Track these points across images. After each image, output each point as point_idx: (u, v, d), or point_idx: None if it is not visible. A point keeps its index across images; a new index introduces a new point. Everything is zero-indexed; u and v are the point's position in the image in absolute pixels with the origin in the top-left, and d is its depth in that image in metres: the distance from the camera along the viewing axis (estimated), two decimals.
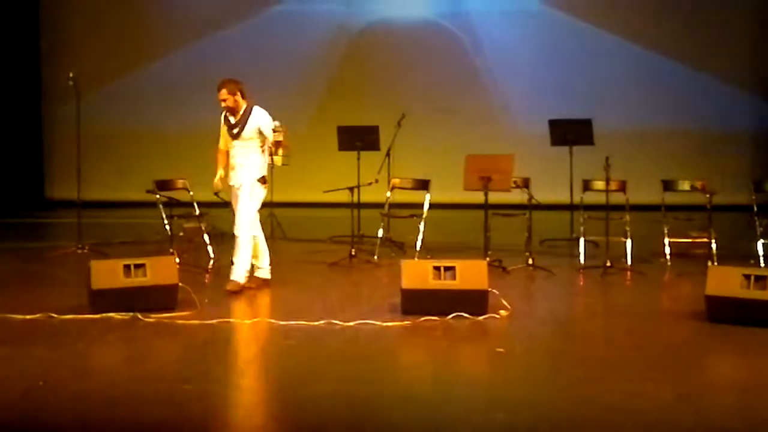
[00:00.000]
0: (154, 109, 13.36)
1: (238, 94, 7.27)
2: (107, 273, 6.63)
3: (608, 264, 8.06)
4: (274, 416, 4.55)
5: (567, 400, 4.80)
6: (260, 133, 7.25)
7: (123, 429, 4.34)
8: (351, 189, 9.05)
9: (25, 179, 13.22)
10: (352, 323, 6.24)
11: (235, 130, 7.27)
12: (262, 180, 7.32)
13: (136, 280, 6.64)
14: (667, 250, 8.67)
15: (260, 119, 7.26)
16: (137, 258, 6.83)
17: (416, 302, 6.49)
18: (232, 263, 7.31)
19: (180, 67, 13.32)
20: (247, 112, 7.27)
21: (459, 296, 6.48)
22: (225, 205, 8.17)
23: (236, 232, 7.29)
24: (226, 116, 7.35)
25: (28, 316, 6.47)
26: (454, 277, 6.58)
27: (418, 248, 8.58)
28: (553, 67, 12.88)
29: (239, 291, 7.21)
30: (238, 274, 7.26)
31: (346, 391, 4.92)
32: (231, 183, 7.38)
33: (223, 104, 7.27)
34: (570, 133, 9.89)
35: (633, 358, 5.60)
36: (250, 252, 7.30)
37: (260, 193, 7.34)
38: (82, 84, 9.80)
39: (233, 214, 7.38)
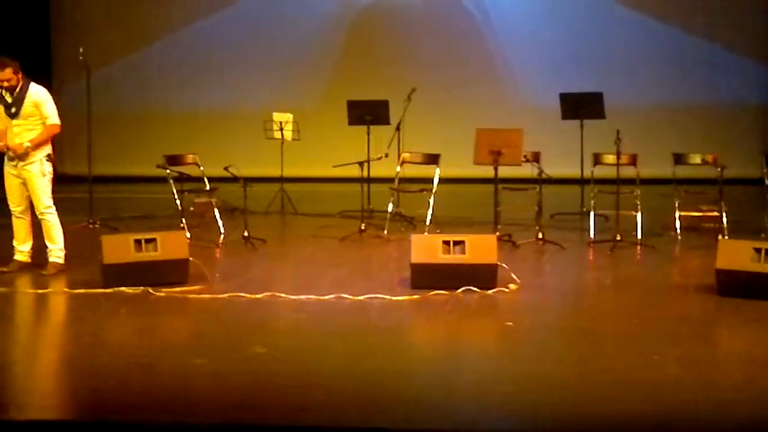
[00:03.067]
0: (163, 86, 13.34)
1: (20, 72, 7.03)
2: (119, 247, 6.68)
3: (618, 238, 8.05)
4: (284, 390, 4.58)
5: (575, 373, 4.82)
6: (38, 109, 7.02)
7: (135, 402, 4.39)
8: (361, 163, 9.04)
9: None
10: (361, 297, 6.27)
11: (13, 110, 6.99)
12: (49, 157, 7.11)
13: (148, 255, 6.67)
14: (678, 223, 8.65)
15: (38, 95, 7.05)
16: (148, 233, 6.87)
17: (426, 276, 6.51)
18: (47, 246, 7.14)
19: (187, 45, 13.30)
20: (24, 90, 7.02)
21: (469, 270, 6.49)
22: (236, 180, 8.20)
23: (44, 212, 7.08)
24: (1, 96, 7.02)
25: (40, 291, 6.53)
26: (463, 252, 6.59)
27: (427, 223, 8.58)
28: (564, 40, 12.78)
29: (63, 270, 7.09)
30: (58, 254, 7.15)
31: (355, 365, 4.95)
32: (15, 164, 7.05)
33: (6, 84, 6.95)
34: (581, 106, 9.84)
35: (642, 331, 5.61)
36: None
37: (50, 170, 7.13)
38: (92, 60, 9.80)
39: (7, 198, 7.12)
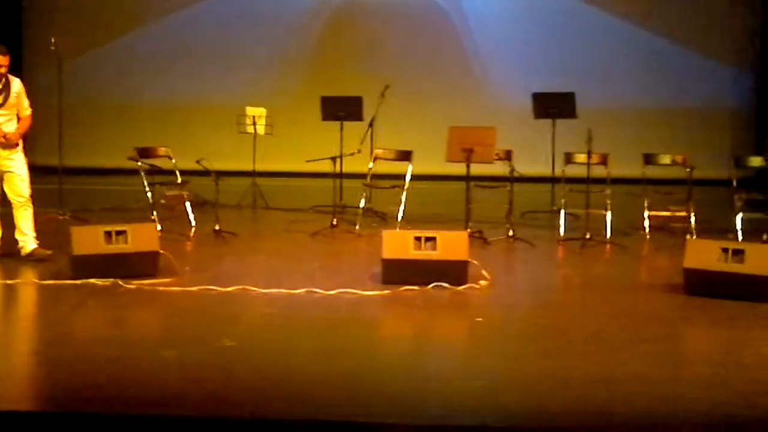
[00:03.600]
0: (135, 78, 13.21)
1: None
2: (88, 239, 6.63)
3: (588, 236, 8.12)
4: (251, 384, 4.58)
5: (543, 370, 4.86)
6: (19, 99, 7.16)
7: (104, 394, 4.36)
8: (333, 159, 9.05)
9: None
10: (332, 292, 6.27)
11: (1, 98, 7.05)
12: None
13: (118, 247, 6.64)
14: (647, 223, 8.74)
15: (19, 85, 7.19)
16: (119, 224, 6.83)
17: (397, 272, 6.53)
18: (24, 233, 7.17)
19: (161, 36, 13.17)
20: (8, 80, 7.09)
21: (439, 266, 6.52)
22: (207, 174, 8.17)
23: (27, 201, 7.16)
24: None
25: (9, 281, 6.47)
26: (434, 248, 6.62)
27: (399, 219, 8.61)
28: (537, 40, 12.84)
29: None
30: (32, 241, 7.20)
31: (325, 359, 4.96)
32: None
33: (3, 70, 6.99)
34: (553, 106, 9.92)
35: (610, 329, 5.67)
36: None
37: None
38: (65, 50, 9.71)
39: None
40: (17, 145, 7.17)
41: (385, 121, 9.87)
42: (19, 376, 4.69)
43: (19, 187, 7.13)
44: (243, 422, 4.13)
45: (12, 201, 7.17)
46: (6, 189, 7.17)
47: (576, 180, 8.75)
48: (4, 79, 7.03)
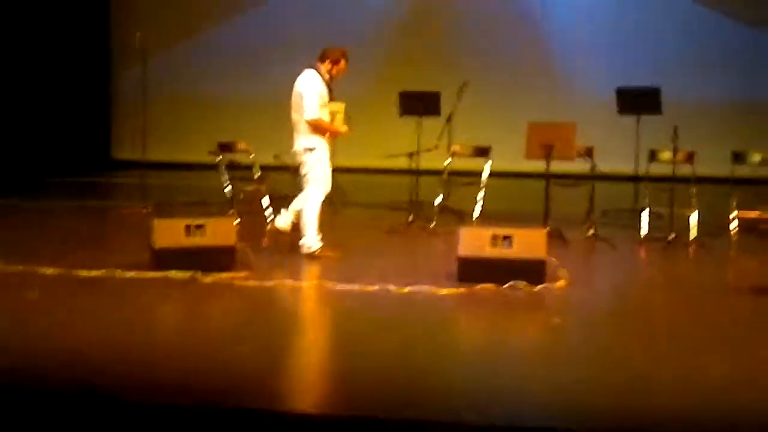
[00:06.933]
0: (218, 73, 13.43)
1: None
2: (169, 232, 6.74)
3: (672, 237, 7.88)
4: (326, 380, 4.58)
5: (623, 373, 4.72)
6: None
7: (180, 385, 4.42)
8: (411, 155, 9.00)
9: (92, 140, 13.47)
10: (407, 289, 6.23)
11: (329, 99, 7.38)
12: None
13: (196, 240, 6.73)
14: (735, 224, 8.43)
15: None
16: (198, 218, 6.92)
17: (473, 270, 6.44)
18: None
19: (242, 32, 13.38)
20: None
21: (516, 265, 6.41)
22: (285, 169, 8.22)
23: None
24: (329, 86, 7.38)
25: (92, 273, 6.62)
26: (511, 246, 6.51)
27: (476, 216, 8.50)
28: (620, 33, 12.56)
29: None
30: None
31: (398, 357, 4.92)
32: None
33: (341, 75, 7.41)
34: (638, 101, 9.67)
35: (692, 332, 5.49)
36: None
37: None
38: (150, 47, 9.91)
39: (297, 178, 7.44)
40: None
41: (463, 117, 9.76)
42: (99, 365, 4.77)
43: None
44: (316, 417, 4.13)
45: None
46: None
47: (660, 178, 8.50)
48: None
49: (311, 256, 7.25)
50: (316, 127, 7.33)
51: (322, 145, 7.37)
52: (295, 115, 7.45)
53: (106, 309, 5.83)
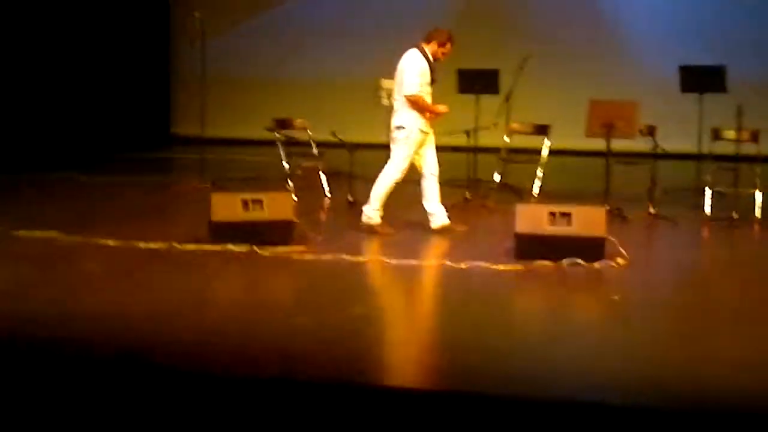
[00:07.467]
0: (275, 51, 13.50)
1: None
2: (227, 206, 6.80)
3: (735, 216, 7.70)
4: (382, 351, 4.57)
5: (683, 351, 4.64)
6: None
7: (237, 357, 4.45)
8: (468, 132, 8.93)
9: (152, 116, 13.66)
10: (464, 266, 6.19)
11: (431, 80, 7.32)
12: None
13: (254, 215, 6.77)
14: None
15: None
16: (255, 193, 6.96)
17: (530, 247, 6.37)
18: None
19: (299, 10, 13.43)
20: None
21: (575, 243, 6.32)
22: (342, 146, 8.22)
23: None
24: (432, 67, 7.28)
25: (151, 245, 6.71)
26: (570, 223, 6.42)
27: (535, 194, 8.41)
28: (684, 10, 12.27)
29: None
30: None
31: (456, 333, 4.90)
32: (426, 129, 7.33)
33: (445, 57, 7.32)
34: (702, 79, 9.45)
35: (756, 312, 5.35)
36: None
37: None
38: (208, 25, 9.98)
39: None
40: None
41: (522, 95, 9.63)
42: (155, 335, 4.83)
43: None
44: (371, 389, 4.13)
45: None
46: None
47: (724, 158, 8.31)
48: None
49: (370, 229, 7.23)
50: (414, 104, 7.20)
51: (414, 126, 7.23)
52: (395, 94, 7.34)
53: (164, 280, 5.91)
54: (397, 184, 7.33)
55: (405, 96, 7.19)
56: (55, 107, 11.96)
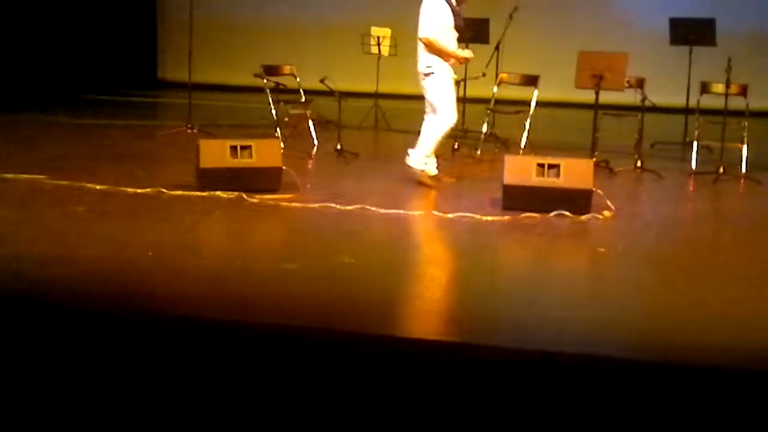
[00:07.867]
0: None
1: None
2: (215, 153, 6.78)
3: (721, 170, 7.75)
4: (368, 300, 4.62)
5: (666, 303, 4.70)
6: None
7: (225, 303, 4.48)
8: (457, 83, 8.88)
9: (139, 60, 13.52)
10: (451, 215, 6.22)
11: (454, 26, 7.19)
12: None
13: (242, 161, 6.76)
14: None
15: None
16: (244, 140, 6.94)
17: (518, 198, 6.41)
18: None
19: None
20: None
21: (562, 194, 6.37)
22: (331, 94, 8.18)
23: None
24: (455, 13, 7.13)
25: (139, 190, 6.70)
26: (558, 175, 6.45)
27: (522, 145, 8.43)
28: None
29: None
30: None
31: (442, 282, 4.95)
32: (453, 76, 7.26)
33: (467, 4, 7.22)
34: (691, 32, 9.44)
35: (740, 265, 5.43)
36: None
37: None
38: None
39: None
40: None
41: (512, 45, 9.59)
42: (142, 280, 4.85)
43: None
44: (359, 336, 4.18)
45: None
46: None
47: (712, 111, 8.33)
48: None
49: (421, 182, 7.15)
50: (430, 48, 7.08)
51: (441, 67, 7.10)
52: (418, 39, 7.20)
53: (152, 225, 5.91)
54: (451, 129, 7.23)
55: (419, 38, 7.10)
56: (43, 49, 11.82)
